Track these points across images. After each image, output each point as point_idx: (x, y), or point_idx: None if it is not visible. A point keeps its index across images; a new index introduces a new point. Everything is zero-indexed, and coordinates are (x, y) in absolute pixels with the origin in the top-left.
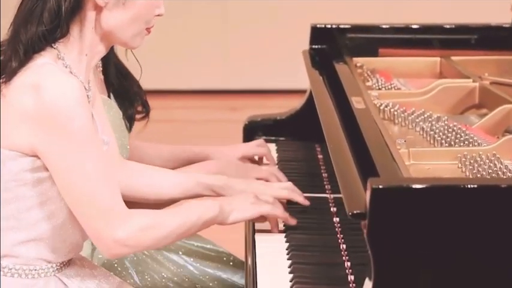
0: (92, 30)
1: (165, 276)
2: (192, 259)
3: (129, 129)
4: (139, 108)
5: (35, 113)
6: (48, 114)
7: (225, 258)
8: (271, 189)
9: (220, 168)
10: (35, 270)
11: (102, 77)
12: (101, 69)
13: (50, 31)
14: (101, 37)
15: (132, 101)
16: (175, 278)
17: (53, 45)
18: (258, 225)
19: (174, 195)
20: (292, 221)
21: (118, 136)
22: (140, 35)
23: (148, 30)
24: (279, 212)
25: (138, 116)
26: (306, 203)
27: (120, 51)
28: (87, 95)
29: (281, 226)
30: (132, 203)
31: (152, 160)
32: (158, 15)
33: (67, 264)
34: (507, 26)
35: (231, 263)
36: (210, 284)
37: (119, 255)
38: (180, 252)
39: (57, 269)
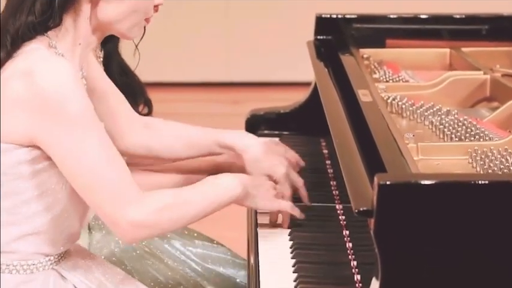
0: (86, 20)
1: (165, 273)
2: (193, 257)
3: None
4: (141, 108)
5: (29, 99)
6: (42, 99)
7: (227, 257)
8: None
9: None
10: (33, 265)
11: (102, 68)
12: (101, 60)
13: (40, 22)
14: (95, 28)
15: (134, 100)
16: (177, 276)
17: (44, 33)
18: (260, 219)
19: (191, 149)
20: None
21: None
22: (138, 26)
23: (147, 20)
24: (297, 212)
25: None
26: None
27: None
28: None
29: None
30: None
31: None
32: (157, 5)
33: (64, 256)
34: None
35: (233, 261)
36: (212, 283)
37: (138, 238)
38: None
39: (55, 261)
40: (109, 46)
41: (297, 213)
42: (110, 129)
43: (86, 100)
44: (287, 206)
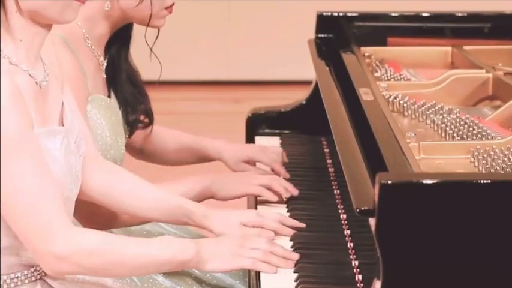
0: (16, 14)
1: (164, 274)
2: None
3: (129, 134)
4: (142, 118)
5: None
6: None
7: None
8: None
9: (215, 180)
10: (17, 277)
11: (104, 76)
12: (104, 67)
13: None
14: (30, 19)
15: (135, 109)
16: (176, 279)
17: None
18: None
19: (151, 211)
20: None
21: (113, 135)
22: (71, 8)
23: (79, 1)
24: (262, 267)
25: (140, 125)
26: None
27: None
28: (36, 82)
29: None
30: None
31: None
32: (170, 6)
33: None
34: None
35: None
36: (212, 283)
37: (61, 272)
38: None
39: (42, 271)
40: (114, 52)
41: (262, 268)
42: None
43: (20, 121)
44: (248, 263)
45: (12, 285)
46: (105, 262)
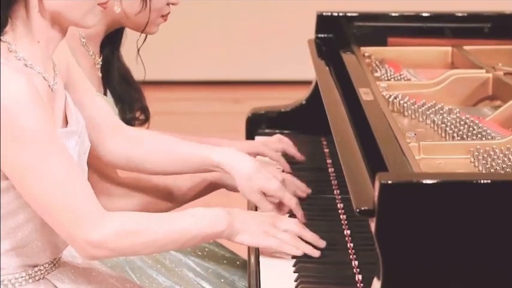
0: (38, 14)
1: (163, 274)
2: (193, 257)
3: None
4: (138, 114)
5: None
6: None
7: (227, 257)
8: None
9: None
10: (22, 277)
11: (100, 74)
12: (99, 66)
13: None
14: (51, 21)
15: (131, 106)
16: (176, 278)
17: (1, 38)
18: None
19: (174, 163)
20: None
21: None
22: (93, 13)
23: (102, 5)
24: (288, 248)
25: (137, 122)
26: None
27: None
28: (49, 85)
29: None
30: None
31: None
32: (165, 14)
33: (57, 265)
34: None
35: (234, 262)
36: (212, 283)
37: (97, 257)
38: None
39: (45, 271)
40: (107, 52)
41: (287, 249)
42: (90, 135)
43: (42, 115)
44: (276, 244)
45: (17, 284)
46: (139, 242)
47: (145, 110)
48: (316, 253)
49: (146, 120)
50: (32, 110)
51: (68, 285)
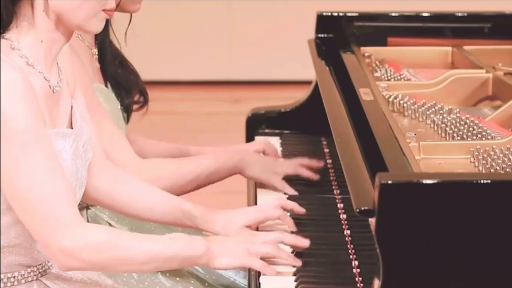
0: (43, 14)
1: (163, 274)
2: None
3: (127, 120)
4: (137, 98)
5: None
6: None
7: None
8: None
9: (244, 157)
10: (14, 277)
11: (98, 65)
12: (97, 57)
13: None
14: (56, 22)
15: (129, 90)
16: (175, 278)
17: (4, 35)
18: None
19: (154, 213)
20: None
21: (116, 122)
22: (96, 18)
23: (107, 12)
24: (269, 271)
25: (136, 106)
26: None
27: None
28: (50, 86)
29: None
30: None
31: (149, 157)
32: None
33: (50, 266)
34: None
35: None
36: (212, 284)
37: (69, 267)
38: None
39: (39, 273)
40: (100, 38)
41: (268, 272)
42: None
43: (34, 116)
44: (257, 265)
45: (8, 284)
46: (113, 257)
47: (143, 93)
48: (298, 262)
49: (145, 102)
50: (21, 108)
51: (60, 284)
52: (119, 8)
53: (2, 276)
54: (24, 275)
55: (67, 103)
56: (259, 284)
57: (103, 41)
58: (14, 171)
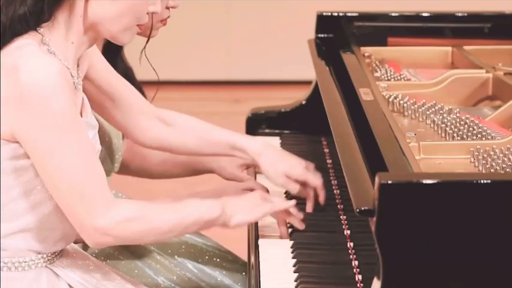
0: (80, 18)
1: (163, 274)
2: (192, 258)
3: None
4: None
5: (13, 95)
6: (24, 95)
7: (227, 258)
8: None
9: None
10: (25, 262)
11: None
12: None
13: (32, 14)
14: (87, 27)
15: None
16: (174, 277)
17: (37, 29)
18: (261, 230)
19: (203, 148)
20: (301, 225)
21: (113, 135)
22: (130, 31)
23: (139, 27)
24: (284, 204)
25: None
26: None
27: None
28: (74, 82)
29: None
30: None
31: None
32: (153, 12)
33: (59, 254)
34: None
35: (234, 263)
36: (212, 284)
37: (102, 244)
38: (181, 250)
39: (48, 259)
40: (111, 53)
41: (284, 205)
42: (124, 123)
43: (70, 101)
44: (269, 206)
45: (20, 269)
46: (142, 230)
47: None
48: (301, 225)
49: None
50: (62, 94)
51: (67, 271)
52: (143, 34)
53: (14, 260)
54: (34, 260)
55: (81, 98)
56: (260, 283)
57: (114, 56)
58: (55, 155)
